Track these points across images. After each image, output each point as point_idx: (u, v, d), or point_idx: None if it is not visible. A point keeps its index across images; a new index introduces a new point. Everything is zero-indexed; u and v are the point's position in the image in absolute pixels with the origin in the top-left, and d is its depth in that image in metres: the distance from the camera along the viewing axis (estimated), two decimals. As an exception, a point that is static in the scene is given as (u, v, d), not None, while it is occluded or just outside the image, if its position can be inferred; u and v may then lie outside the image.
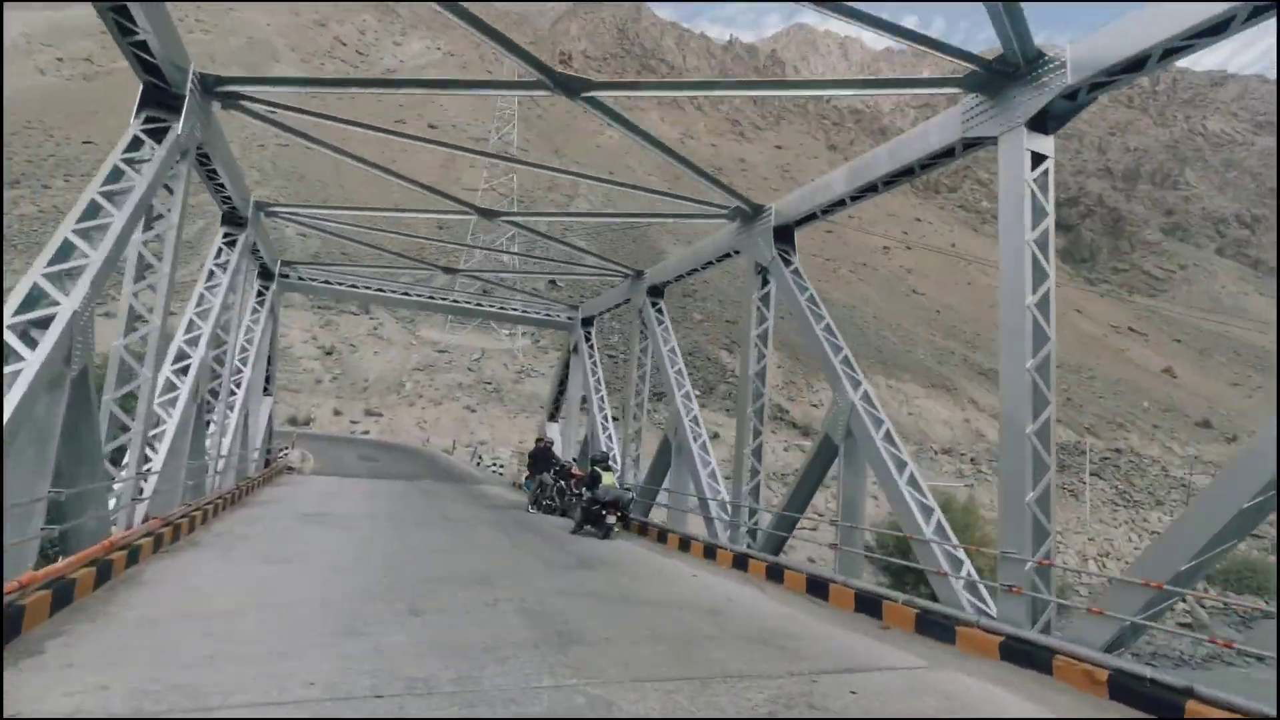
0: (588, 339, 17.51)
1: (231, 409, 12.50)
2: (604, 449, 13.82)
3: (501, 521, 12.45)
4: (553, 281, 60.65)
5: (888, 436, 7.50)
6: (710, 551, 9.75)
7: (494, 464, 30.22)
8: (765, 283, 10.22)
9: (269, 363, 16.93)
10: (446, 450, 36.99)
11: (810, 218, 9.37)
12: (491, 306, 18.03)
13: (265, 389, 17.40)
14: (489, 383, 49.85)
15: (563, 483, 14.34)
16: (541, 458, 14.94)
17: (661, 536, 11.27)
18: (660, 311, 13.67)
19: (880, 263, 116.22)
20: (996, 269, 6.35)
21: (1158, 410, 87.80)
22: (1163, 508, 53.42)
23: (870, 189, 8.20)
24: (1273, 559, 32.89)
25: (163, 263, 7.17)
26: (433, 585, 6.53)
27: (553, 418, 20.08)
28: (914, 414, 67.77)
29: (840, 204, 8.67)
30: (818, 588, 7.47)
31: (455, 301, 17.88)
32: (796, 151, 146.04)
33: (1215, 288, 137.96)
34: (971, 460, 58.25)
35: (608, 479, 11.34)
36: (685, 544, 10.42)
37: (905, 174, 7.66)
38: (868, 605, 6.76)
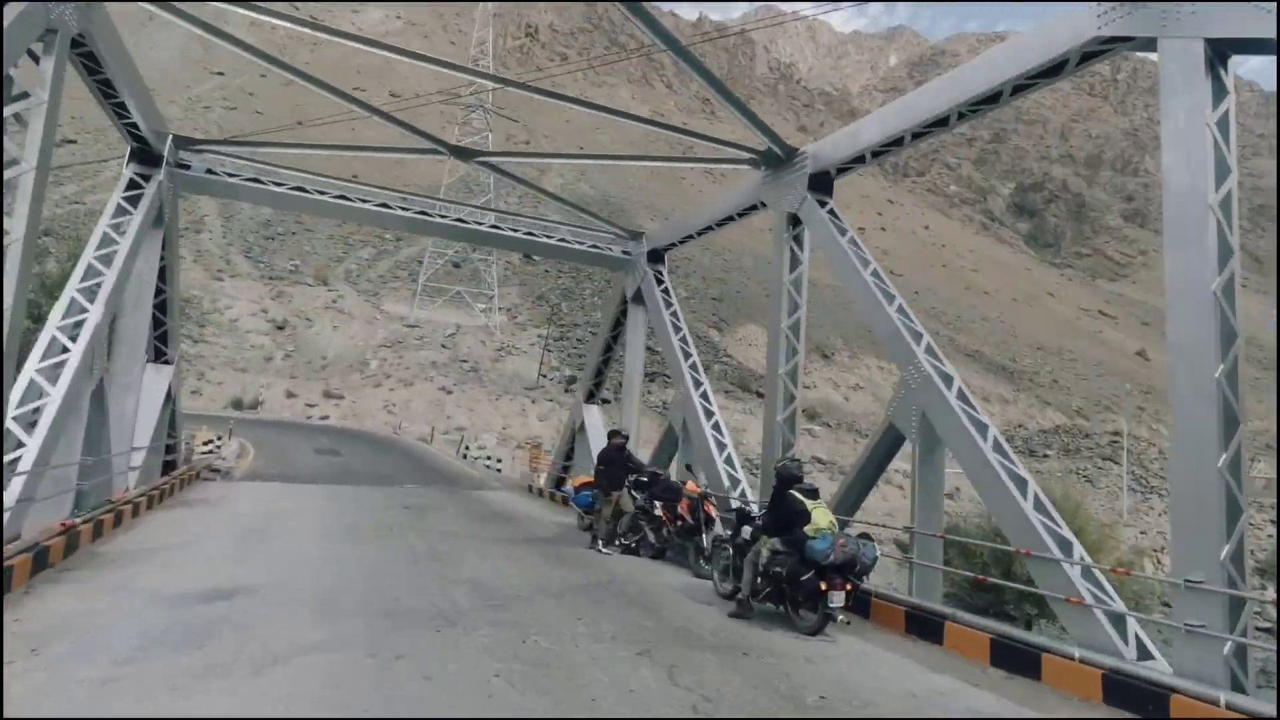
0: (659, 280, 11.68)
1: (54, 382, 6.40)
2: (791, 458, 7.62)
3: (578, 586, 6.73)
4: (527, 255, 53.80)
5: None
6: (1131, 695, 4.26)
7: (486, 457, 24.13)
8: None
9: (163, 309, 10.63)
10: (423, 439, 30.66)
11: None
12: (515, 230, 11.94)
13: (161, 352, 11.14)
14: (465, 361, 43.47)
15: (658, 505, 8.72)
16: (616, 463, 9.14)
17: (926, 627, 5.65)
18: (836, 216, 8.01)
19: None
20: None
21: (1139, 392, 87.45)
22: (1181, 494, 50.58)
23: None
24: None
25: None
26: None
27: (591, 398, 14.10)
28: (909, 397, 64.35)
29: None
30: None
31: (459, 221, 11.71)
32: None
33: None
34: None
35: (820, 516, 5.68)
36: (1027, 661, 4.85)
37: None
38: None
